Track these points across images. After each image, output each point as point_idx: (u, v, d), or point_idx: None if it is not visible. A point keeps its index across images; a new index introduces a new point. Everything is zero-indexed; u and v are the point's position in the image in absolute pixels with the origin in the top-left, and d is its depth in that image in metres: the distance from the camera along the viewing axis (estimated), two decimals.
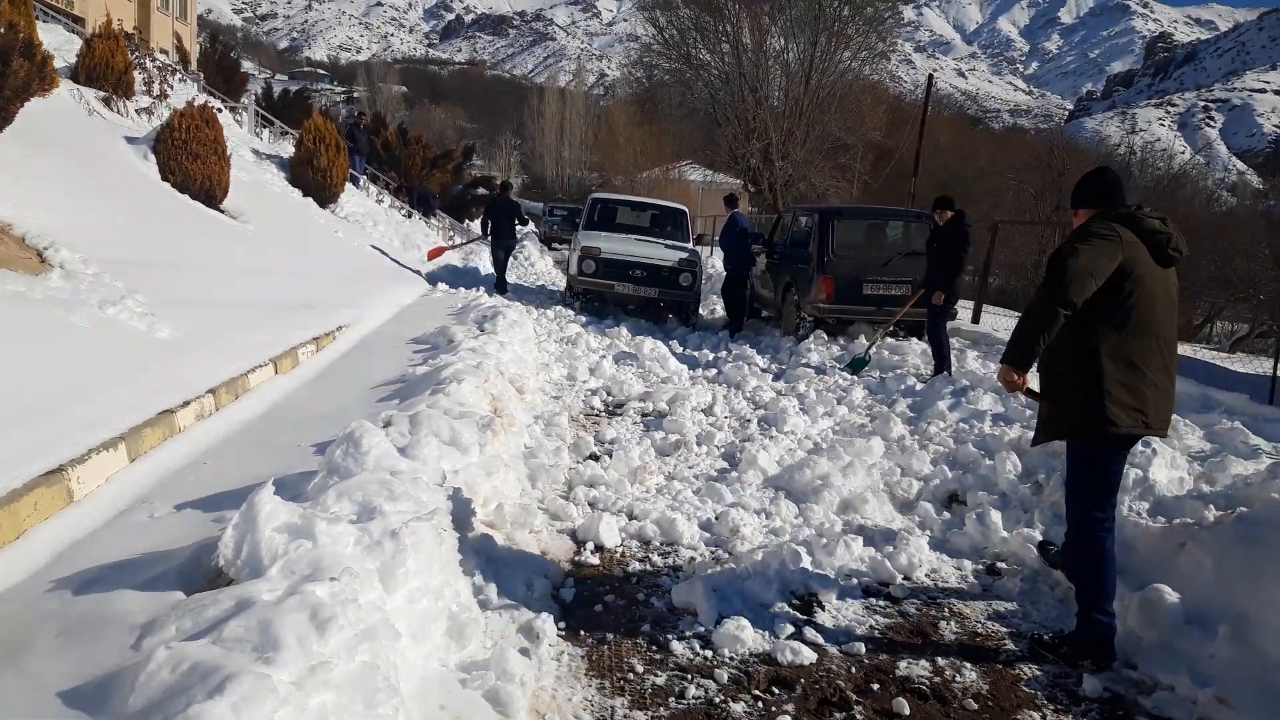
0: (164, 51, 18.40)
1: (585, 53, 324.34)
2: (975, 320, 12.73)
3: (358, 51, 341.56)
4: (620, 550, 4.54)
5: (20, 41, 6.19)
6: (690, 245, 13.80)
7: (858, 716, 3.18)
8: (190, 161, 9.66)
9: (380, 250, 15.03)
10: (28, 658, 2.63)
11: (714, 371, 9.38)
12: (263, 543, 2.97)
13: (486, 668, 3.08)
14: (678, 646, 3.58)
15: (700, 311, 13.77)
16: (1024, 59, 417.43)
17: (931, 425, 6.88)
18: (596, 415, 7.47)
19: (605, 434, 6.66)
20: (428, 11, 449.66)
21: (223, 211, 10.19)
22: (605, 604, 3.93)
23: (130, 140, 10.12)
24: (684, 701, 3.19)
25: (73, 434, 4.26)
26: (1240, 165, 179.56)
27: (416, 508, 3.52)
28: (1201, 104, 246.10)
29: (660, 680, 3.33)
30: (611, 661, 3.45)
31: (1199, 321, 34.05)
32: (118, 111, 11.54)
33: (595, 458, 6.07)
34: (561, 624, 3.69)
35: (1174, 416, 6.76)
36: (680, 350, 10.73)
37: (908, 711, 3.22)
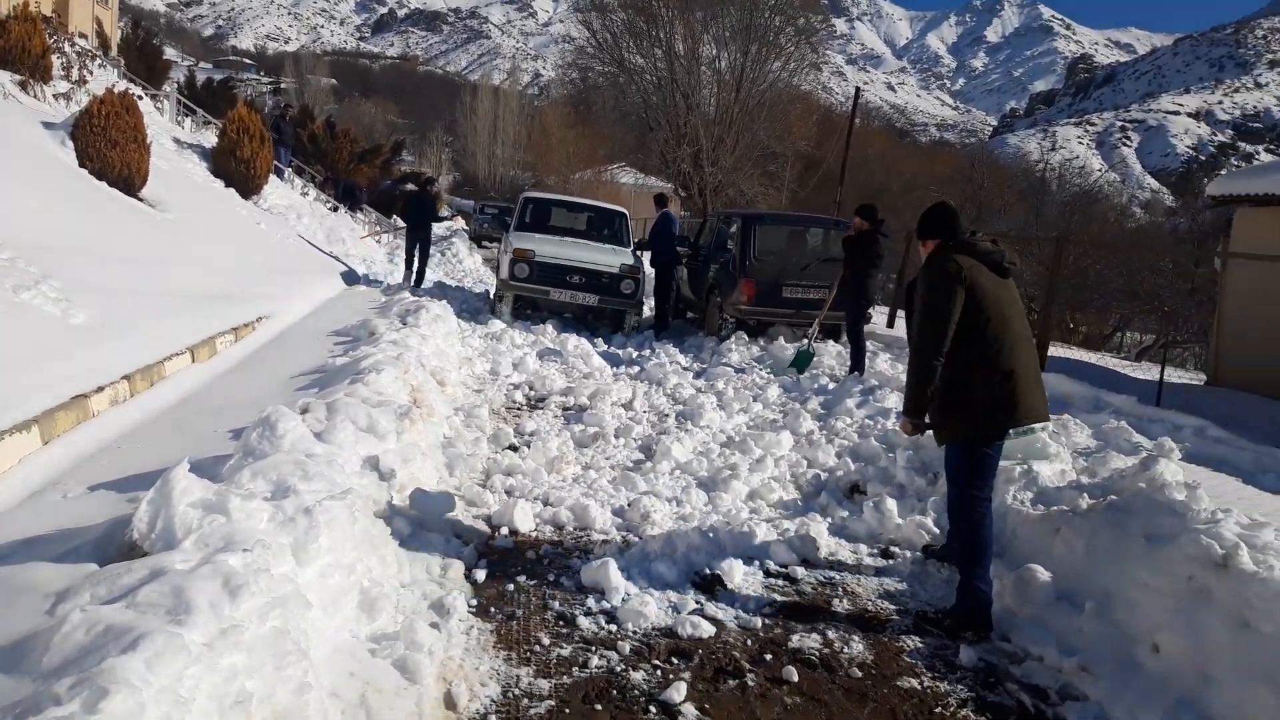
0: (84, 36, 17.90)
1: (520, 52, 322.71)
2: (890, 325, 13.16)
3: (286, 42, 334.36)
4: (534, 534, 4.69)
5: None
6: (631, 250, 12.97)
7: (750, 684, 3.39)
8: (109, 149, 9.51)
9: (309, 241, 14.89)
10: None
11: (637, 369, 9.57)
12: (177, 517, 3.06)
13: (396, 639, 3.21)
14: (584, 622, 3.75)
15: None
16: (951, 75, 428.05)
17: (839, 421, 7.17)
18: (518, 408, 7.59)
19: (525, 426, 6.80)
20: (359, 4, 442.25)
21: (141, 200, 10.04)
22: (516, 584, 4.08)
23: (47, 126, 9.92)
24: (587, 671, 3.36)
25: None
26: (1155, 184, 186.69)
27: (330, 488, 3.63)
28: (1119, 124, 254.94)
29: (565, 652, 3.49)
30: (519, 635, 3.60)
31: (1109, 332, 35.55)
32: (35, 96, 11.27)
33: (514, 448, 6.20)
34: (473, 601, 3.83)
35: (1066, 416, 7.22)
36: (605, 348, 10.90)
37: (796, 679, 3.44)
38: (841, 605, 4.19)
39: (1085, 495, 4.87)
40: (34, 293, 5.85)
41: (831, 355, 10.10)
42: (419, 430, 5.38)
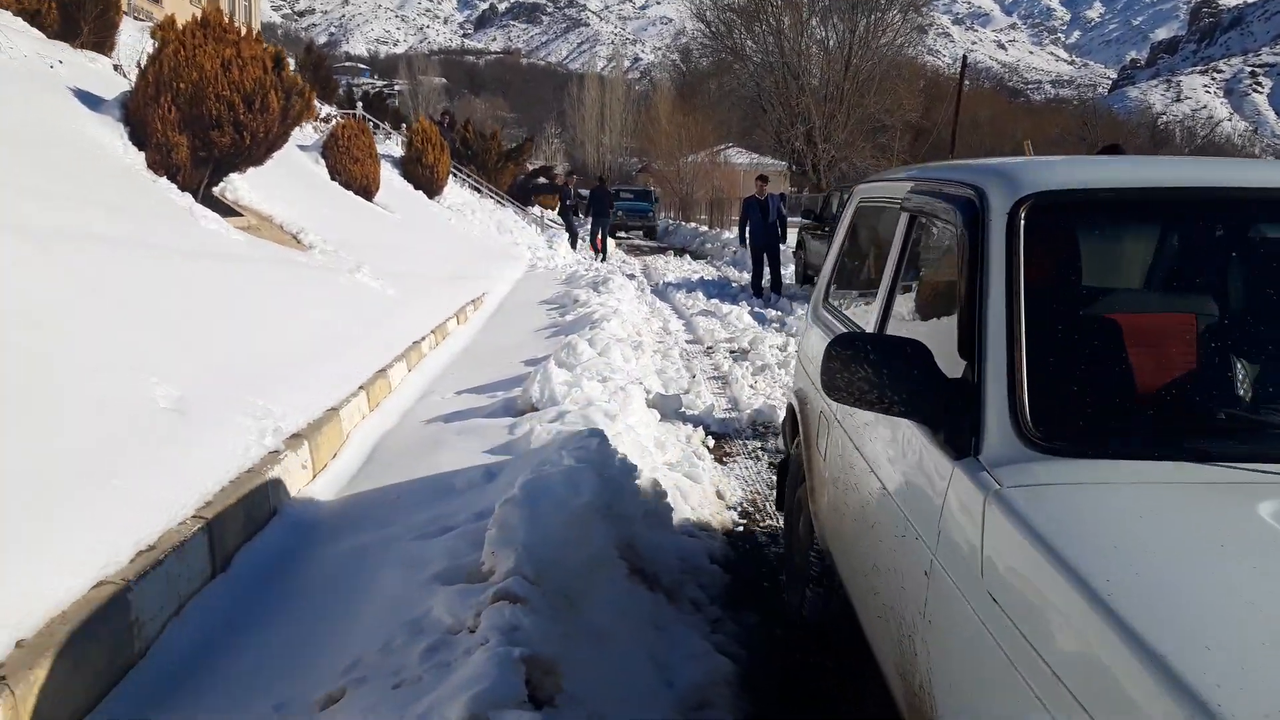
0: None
1: (619, 37, 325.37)
2: None
3: (395, 44, 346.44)
4: (730, 417, 6.74)
5: (292, 82, 8.32)
6: None
7: None
8: (351, 164, 12.03)
9: (495, 230, 17.59)
10: (447, 443, 4.90)
11: (779, 324, 11.50)
12: (556, 388, 5.22)
13: (680, 464, 5.29)
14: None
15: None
16: (1065, 28, 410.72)
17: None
18: (697, 352, 9.66)
19: (704, 363, 8.86)
20: (461, 2, 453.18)
21: (376, 204, 12.55)
22: (734, 444, 6.14)
23: (302, 148, 12.52)
24: None
25: (375, 353, 6.54)
26: None
27: (626, 379, 5.76)
28: (1249, 69, 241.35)
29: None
30: (743, 474, 5.65)
31: None
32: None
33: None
34: (713, 452, 5.90)
35: None
36: (750, 308, 12.84)
37: None
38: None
39: None
40: (361, 274, 8.20)
41: None
42: (643, 360, 7.51)
